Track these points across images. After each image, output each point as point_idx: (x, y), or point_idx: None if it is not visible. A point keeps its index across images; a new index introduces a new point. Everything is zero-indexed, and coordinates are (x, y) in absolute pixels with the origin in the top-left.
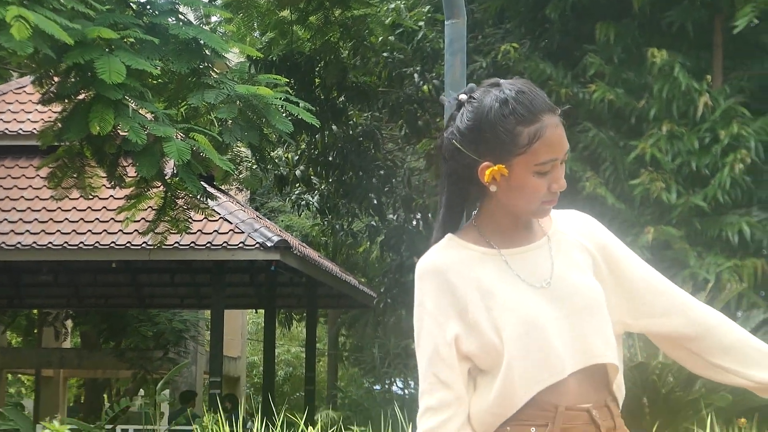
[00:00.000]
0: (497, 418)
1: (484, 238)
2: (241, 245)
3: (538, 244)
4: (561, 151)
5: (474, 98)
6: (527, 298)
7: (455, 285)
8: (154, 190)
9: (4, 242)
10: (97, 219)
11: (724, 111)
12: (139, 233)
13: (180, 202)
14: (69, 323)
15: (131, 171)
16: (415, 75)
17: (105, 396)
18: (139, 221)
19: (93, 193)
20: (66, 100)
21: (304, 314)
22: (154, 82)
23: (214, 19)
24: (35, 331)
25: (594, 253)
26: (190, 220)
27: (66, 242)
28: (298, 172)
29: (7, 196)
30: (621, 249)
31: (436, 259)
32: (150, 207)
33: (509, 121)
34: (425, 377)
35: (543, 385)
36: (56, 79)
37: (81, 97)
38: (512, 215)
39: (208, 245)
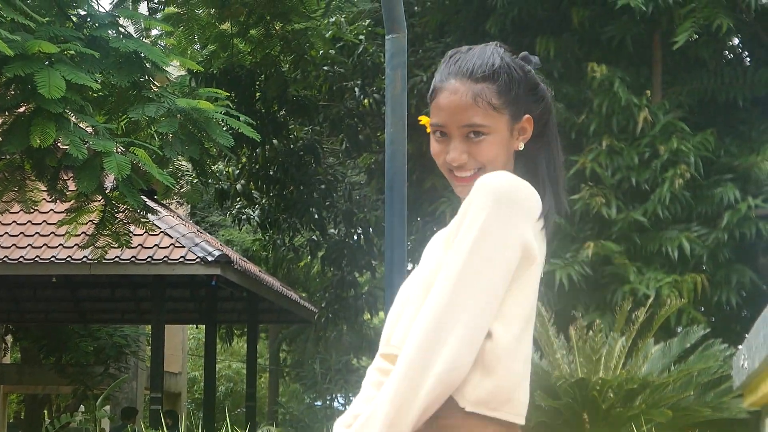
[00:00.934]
0: None
1: None
2: (181, 260)
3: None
4: (447, 120)
5: None
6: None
7: None
8: (95, 203)
9: None
10: (38, 233)
11: (664, 126)
12: (80, 247)
13: (120, 216)
14: (9, 338)
15: (72, 185)
16: (356, 89)
17: (45, 412)
18: (79, 235)
19: (33, 207)
20: (6, 113)
21: (245, 329)
22: (95, 95)
23: (154, 32)
24: None
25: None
26: (130, 234)
27: (6, 256)
28: (238, 187)
29: None
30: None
31: None
32: (90, 221)
33: (437, 72)
34: None
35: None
36: None
37: (21, 110)
38: None
39: (149, 260)
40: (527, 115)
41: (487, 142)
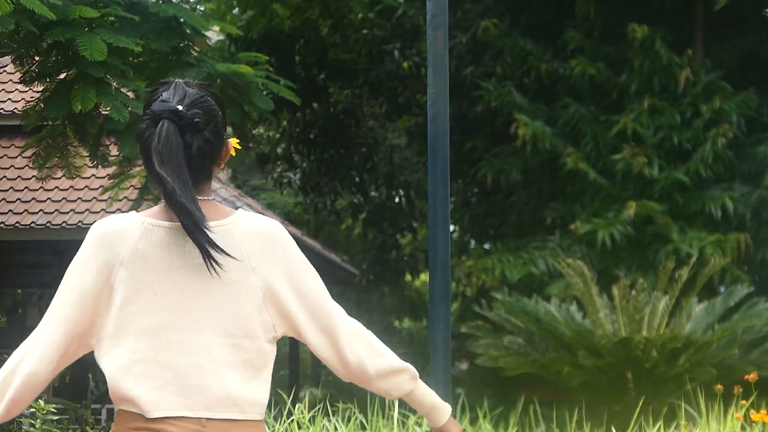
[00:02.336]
0: None
1: None
2: None
3: None
4: None
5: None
6: None
7: None
8: (136, 168)
9: None
10: (80, 198)
11: (706, 85)
12: (122, 212)
13: None
14: None
15: (114, 150)
16: (396, 52)
17: (90, 376)
18: (121, 200)
19: (76, 173)
20: (47, 79)
21: None
22: (135, 60)
23: None
24: (19, 311)
25: None
26: None
27: (49, 222)
28: (279, 150)
29: None
30: None
31: None
32: (133, 186)
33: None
34: None
35: None
36: (37, 58)
37: (62, 76)
38: None
39: None
40: None
41: None
